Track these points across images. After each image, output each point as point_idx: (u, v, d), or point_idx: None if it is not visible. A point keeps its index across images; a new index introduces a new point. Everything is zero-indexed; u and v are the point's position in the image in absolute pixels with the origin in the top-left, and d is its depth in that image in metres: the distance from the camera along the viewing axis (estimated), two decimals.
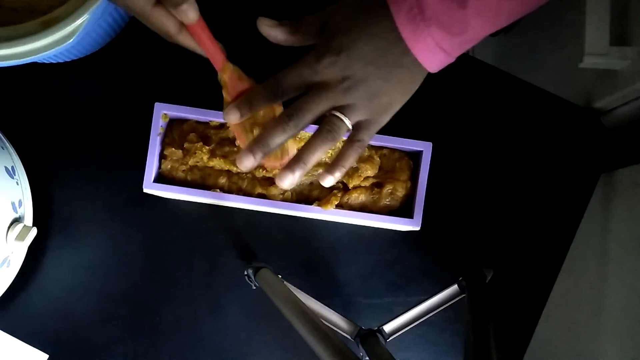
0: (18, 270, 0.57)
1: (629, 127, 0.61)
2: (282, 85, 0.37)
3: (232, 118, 0.38)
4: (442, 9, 0.33)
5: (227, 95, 0.41)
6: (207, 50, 0.40)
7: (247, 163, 0.37)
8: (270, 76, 0.38)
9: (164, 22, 0.38)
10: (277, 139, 0.37)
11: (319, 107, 0.36)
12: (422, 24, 0.34)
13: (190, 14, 0.37)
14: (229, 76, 0.40)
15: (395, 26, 0.35)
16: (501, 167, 0.62)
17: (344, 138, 0.39)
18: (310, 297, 0.54)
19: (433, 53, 0.35)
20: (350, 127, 0.38)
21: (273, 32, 0.39)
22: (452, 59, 0.37)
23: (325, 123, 0.37)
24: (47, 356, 0.59)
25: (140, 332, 0.60)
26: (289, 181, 0.37)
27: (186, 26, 0.39)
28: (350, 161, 0.38)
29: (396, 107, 0.38)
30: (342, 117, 0.37)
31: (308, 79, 0.37)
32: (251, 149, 0.37)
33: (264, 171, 0.55)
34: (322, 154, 0.37)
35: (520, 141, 0.62)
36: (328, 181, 0.38)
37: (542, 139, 0.62)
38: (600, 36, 0.54)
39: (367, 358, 0.47)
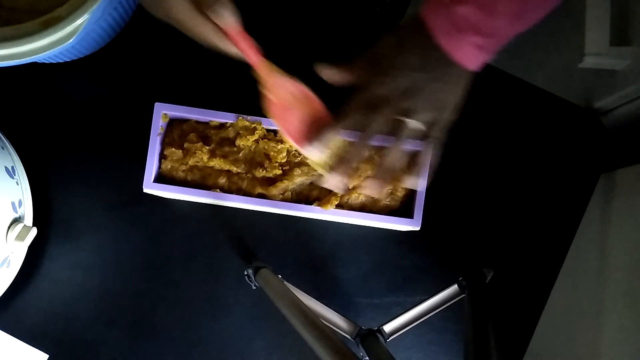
0: (18, 270, 0.57)
1: (629, 127, 0.61)
2: (348, 111, 0.42)
3: (314, 154, 0.44)
4: (475, 19, 0.38)
5: (265, 91, 0.44)
6: (247, 55, 0.42)
7: (339, 184, 0.43)
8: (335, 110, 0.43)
9: (203, 30, 0.40)
10: (358, 157, 0.43)
11: (384, 117, 0.41)
12: (459, 37, 0.38)
13: (227, 17, 0.39)
14: (266, 72, 0.43)
15: (432, 34, 0.39)
16: (501, 167, 0.62)
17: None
18: (310, 297, 0.54)
19: (473, 55, 0.40)
20: (417, 127, 0.42)
21: (334, 76, 0.44)
22: (490, 55, 0.41)
23: (393, 130, 0.42)
24: (47, 356, 0.59)
25: (140, 332, 0.60)
26: (379, 189, 0.43)
27: (225, 32, 0.40)
28: (430, 159, 0.44)
29: (453, 101, 0.42)
30: (407, 120, 0.41)
31: (368, 99, 0.41)
32: (338, 170, 0.42)
33: (264, 171, 0.55)
34: (401, 160, 0.43)
35: (521, 141, 0.62)
36: (411, 182, 0.45)
37: (542, 139, 0.62)
38: (600, 36, 0.54)
39: (367, 358, 0.47)
